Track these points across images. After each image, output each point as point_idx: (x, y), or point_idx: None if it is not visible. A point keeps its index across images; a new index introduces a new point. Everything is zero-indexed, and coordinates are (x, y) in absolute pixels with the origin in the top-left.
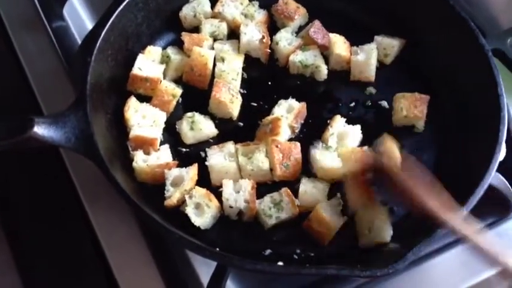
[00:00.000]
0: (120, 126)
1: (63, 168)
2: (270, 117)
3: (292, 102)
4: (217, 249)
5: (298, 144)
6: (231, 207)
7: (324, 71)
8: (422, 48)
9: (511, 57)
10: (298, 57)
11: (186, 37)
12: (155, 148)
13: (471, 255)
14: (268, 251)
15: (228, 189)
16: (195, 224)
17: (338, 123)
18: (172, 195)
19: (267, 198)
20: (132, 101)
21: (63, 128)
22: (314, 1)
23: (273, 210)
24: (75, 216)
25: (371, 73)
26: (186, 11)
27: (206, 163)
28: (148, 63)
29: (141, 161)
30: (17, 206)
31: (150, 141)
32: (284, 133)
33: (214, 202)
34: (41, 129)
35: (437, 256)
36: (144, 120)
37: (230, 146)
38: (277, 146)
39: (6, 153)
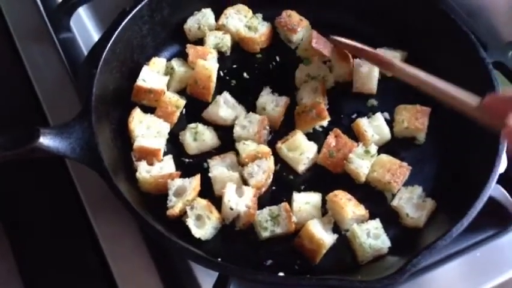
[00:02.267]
0: (124, 137)
1: (68, 178)
2: (307, 104)
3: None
4: (219, 259)
5: (356, 144)
6: (231, 209)
7: (331, 80)
8: (423, 60)
9: None
10: (304, 71)
11: (190, 49)
12: (158, 159)
13: (471, 267)
14: (269, 261)
15: (230, 192)
16: (195, 235)
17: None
18: (175, 206)
19: (265, 211)
20: (137, 112)
21: (68, 138)
22: (316, 13)
23: (269, 223)
24: (80, 226)
25: (373, 85)
26: (190, 23)
27: (209, 174)
28: (153, 74)
29: (144, 171)
30: (22, 216)
31: (153, 152)
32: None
33: (215, 214)
34: (46, 140)
35: (437, 268)
36: (148, 131)
37: (232, 156)
38: (336, 136)
39: (12, 163)
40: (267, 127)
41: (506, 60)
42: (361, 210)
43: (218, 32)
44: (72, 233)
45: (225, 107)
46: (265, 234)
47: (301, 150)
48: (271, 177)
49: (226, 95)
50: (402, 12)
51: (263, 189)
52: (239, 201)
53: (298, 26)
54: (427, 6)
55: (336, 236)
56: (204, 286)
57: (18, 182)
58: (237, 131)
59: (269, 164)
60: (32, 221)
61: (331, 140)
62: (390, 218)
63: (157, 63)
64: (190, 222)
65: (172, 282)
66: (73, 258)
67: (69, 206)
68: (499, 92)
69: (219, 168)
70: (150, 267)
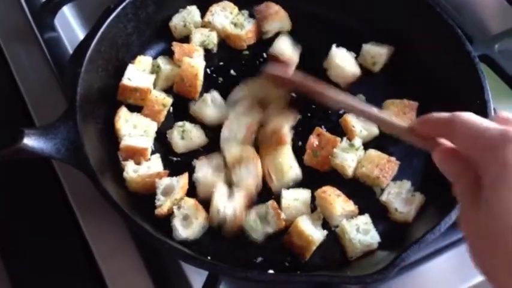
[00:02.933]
0: (110, 136)
1: (55, 179)
2: (269, 128)
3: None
4: (209, 257)
5: (339, 139)
6: (218, 212)
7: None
8: (410, 55)
9: (499, 63)
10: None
11: (176, 47)
12: (146, 158)
13: (461, 261)
14: (259, 259)
15: (219, 193)
16: (181, 236)
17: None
18: (163, 205)
19: (253, 212)
20: (123, 111)
21: (53, 139)
22: (301, 8)
23: (259, 224)
24: (68, 226)
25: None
26: (176, 21)
27: (193, 176)
28: (138, 73)
29: (131, 171)
30: (9, 217)
31: (140, 151)
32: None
33: (202, 213)
34: (30, 141)
35: (427, 262)
36: (135, 130)
37: (218, 157)
38: (318, 134)
39: None
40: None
41: (492, 53)
42: (350, 206)
43: (204, 30)
44: (61, 234)
45: (212, 106)
46: (258, 236)
47: (285, 169)
48: (261, 180)
49: (214, 93)
50: (388, 6)
51: (253, 193)
52: (227, 204)
53: (273, 15)
54: (412, 0)
55: (325, 232)
56: (194, 285)
57: (4, 183)
58: (224, 133)
59: (257, 166)
60: (20, 221)
61: (313, 139)
62: (379, 213)
63: (143, 61)
64: (177, 223)
65: (163, 281)
66: (62, 259)
67: (56, 207)
68: (430, 115)
69: (204, 170)
70: (139, 267)
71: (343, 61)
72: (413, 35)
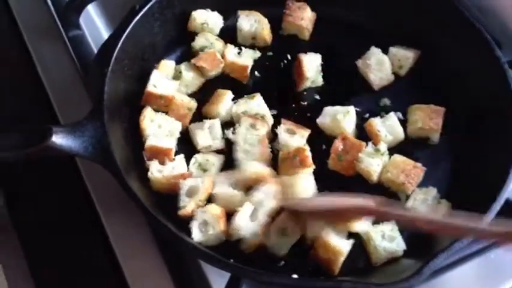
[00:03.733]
0: (136, 135)
1: (79, 178)
2: (291, 149)
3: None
4: (231, 260)
5: (364, 143)
6: (238, 230)
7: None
8: (437, 60)
9: None
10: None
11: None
12: (170, 158)
13: (486, 269)
14: (282, 263)
15: (244, 213)
16: (194, 238)
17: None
18: (187, 205)
19: (272, 231)
20: (148, 111)
21: (80, 137)
22: (326, 10)
23: (280, 239)
24: (91, 226)
25: (390, 74)
26: (199, 15)
27: (212, 192)
28: (163, 80)
29: (156, 171)
30: (32, 215)
31: (165, 151)
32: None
33: (222, 226)
34: (59, 139)
35: (451, 270)
36: (159, 129)
37: (237, 174)
38: (342, 139)
39: (22, 162)
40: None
41: None
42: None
43: (211, 36)
44: (83, 233)
45: (207, 133)
46: (283, 252)
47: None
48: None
49: (216, 122)
50: (414, 10)
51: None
52: (248, 224)
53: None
54: (440, 4)
55: (351, 241)
56: (215, 287)
57: (28, 182)
58: (240, 156)
59: (274, 187)
60: (43, 221)
61: (338, 143)
62: None
63: (167, 66)
64: (195, 225)
65: (184, 282)
66: (84, 258)
67: (79, 206)
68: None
69: (222, 187)
70: (161, 268)
71: (383, 63)
72: (441, 40)
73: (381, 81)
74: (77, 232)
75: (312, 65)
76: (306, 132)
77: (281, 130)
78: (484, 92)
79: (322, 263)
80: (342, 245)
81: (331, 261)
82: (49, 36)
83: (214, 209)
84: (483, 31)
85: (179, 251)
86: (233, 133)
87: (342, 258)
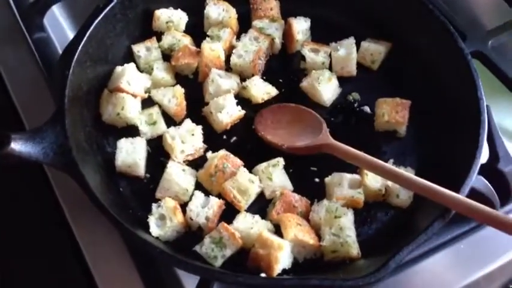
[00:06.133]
0: (99, 139)
1: (47, 183)
2: (316, 66)
3: None
4: (201, 262)
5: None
6: (191, 219)
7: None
8: (404, 53)
9: (492, 59)
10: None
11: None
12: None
13: (456, 259)
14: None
15: (195, 201)
16: (152, 234)
17: None
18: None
19: (206, 240)
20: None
21: (40, 143)
22: (296, 7)
23: (216, 250)
24: (59, 232)
25: (353, 67)
26: (163, 13)
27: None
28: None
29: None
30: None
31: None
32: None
33: (179, 218)
34: (18, 146)
35: (421, 261)
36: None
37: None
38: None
39: None
40: (262, 57)
41: (486, 49)
42: (306, 237)
43: (177, 34)
44: (53, 240)
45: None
46: (218, 262)
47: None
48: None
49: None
50: (383, 3)
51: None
52: (201, 211)
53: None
54: None
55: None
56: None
57: None
58: (234, 59)
59: (216, 201)
60: (11, 228)
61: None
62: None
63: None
64: (152, 220)
65: (156, 285)
66: (55, 266)
67: (48, 211)
68: None
69: (175, 169)
70: (132, 271)
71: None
72: (408, 32)
73: (341, 70)
74: (46, 239)
75: (301, 28)
76: (328, 49)
77: (305, 51)
78: (449, 84)
79: (262, 263)
80: (280, 240)
81: (270, 258)
82: (13, 39)
83: (169, 202)
84: (446, 22)
85: (150, 254)
86: (237, 40)
87: (279, 253)
